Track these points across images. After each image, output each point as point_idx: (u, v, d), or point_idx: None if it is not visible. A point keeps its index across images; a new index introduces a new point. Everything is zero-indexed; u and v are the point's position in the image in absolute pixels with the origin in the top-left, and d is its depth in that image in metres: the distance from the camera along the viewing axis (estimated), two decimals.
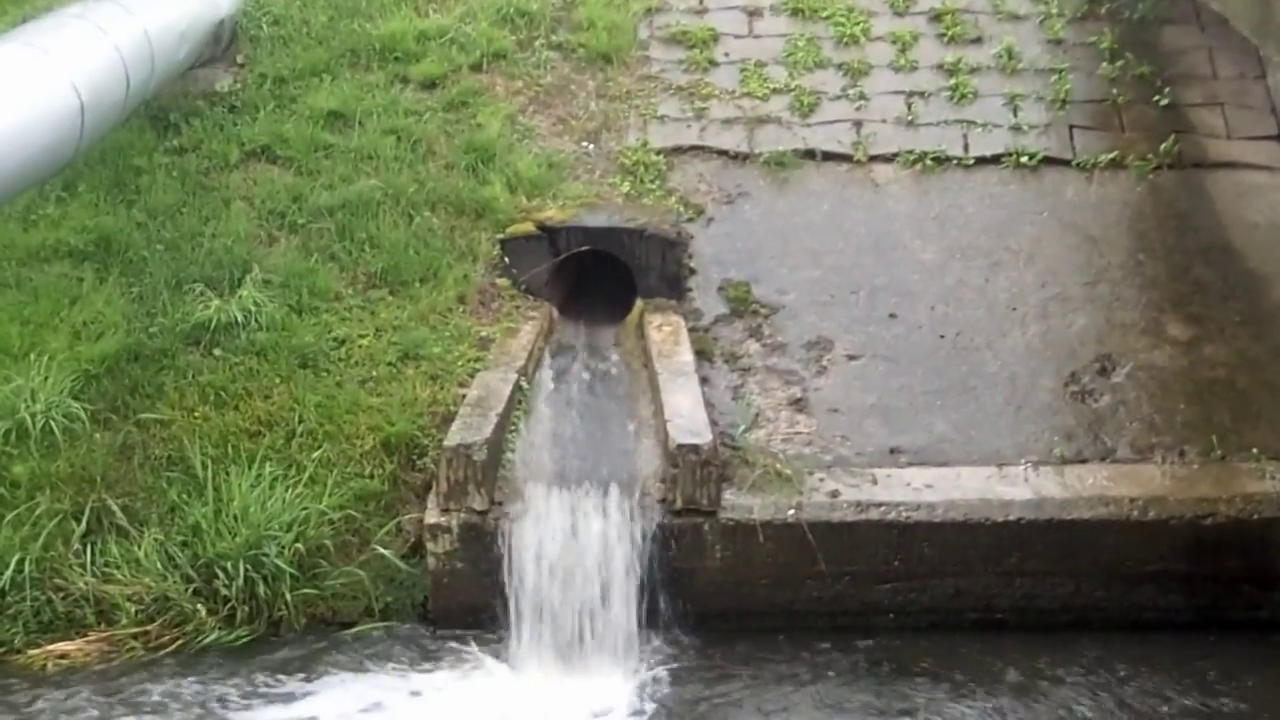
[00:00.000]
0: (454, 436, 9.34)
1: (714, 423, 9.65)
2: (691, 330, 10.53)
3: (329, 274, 10.78)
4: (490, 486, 9.30)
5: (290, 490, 9.40)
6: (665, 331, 10.43)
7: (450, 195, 11.36)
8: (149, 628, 9.13)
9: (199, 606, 9.14)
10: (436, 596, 9.41)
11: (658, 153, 11.83)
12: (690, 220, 11.29)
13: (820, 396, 10.18)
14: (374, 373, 10.18)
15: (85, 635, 9.12)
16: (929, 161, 11.70)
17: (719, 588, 9.37)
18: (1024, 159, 11.66)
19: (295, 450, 9.71)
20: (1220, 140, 11.82)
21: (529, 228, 11.03)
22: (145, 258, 10.77)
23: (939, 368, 10.37)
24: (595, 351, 10.63)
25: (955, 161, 11.73)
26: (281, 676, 8.90)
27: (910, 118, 12.02)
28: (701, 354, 10.34)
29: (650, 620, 9.28)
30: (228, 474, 9.45)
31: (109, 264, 10.74)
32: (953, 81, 12.28)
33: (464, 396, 9.83)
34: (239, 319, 10.28)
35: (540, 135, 12.06)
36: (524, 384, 10.01)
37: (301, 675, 8.93)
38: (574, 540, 9.22)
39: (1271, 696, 8.78)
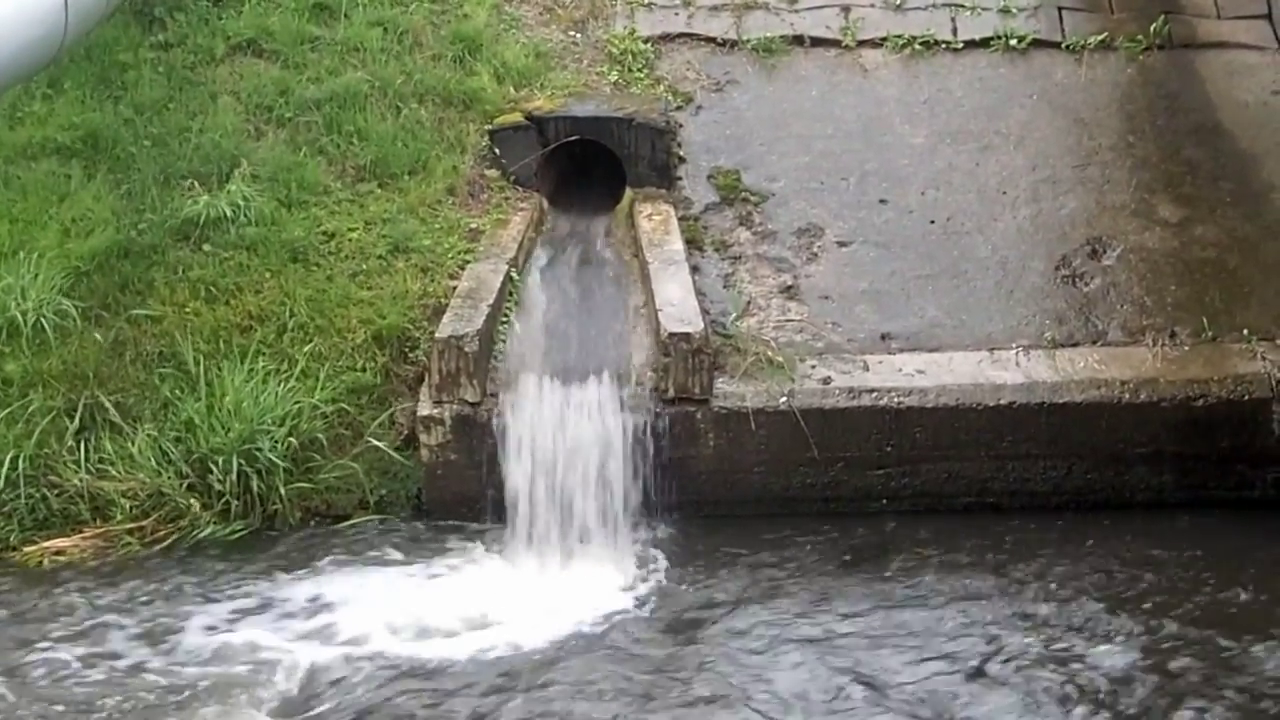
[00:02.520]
0: (445, 328, 9.35)
1: (705, 311, 9.66)
2: (682, 219, 10.49)
3: (317, 167, 10.71)
4: (482, 378, 9.32)
5: (283, 384, 9.40)
6: (655, 221, 10.40)
7: (438, 86, 11.28)
8: (144, 523, 9.16)
9: (193, 501, 9.18)
10: (430, 488, 9.44)
11: (645, 41, 11.73)
12: (679, 108, 11.24)
13: (811, 283, 10.17)
14: (364, 266, 10.16)
15: (81, 531, 9.15)
16: (918, 46, 11.62)
17: (712, 476, 9.41)
18: (1013, 42, 11.58)
19: (287, 344, 9.71)
20: (1210, 20, 11.74)
21: (517, 118, 10.95)
22: (133, 154, 10.71)
23: (930, 253, 10.36)
24: (585, 241, 10.58)
25: (944, 45, 11.64)
26: (277, 569, 8.94)
27: (898, 2, 11.88)
28: (692, 243, 10.33)
29: (644, 509, 9.32)
30: (220, 369, 9.45)
31: (97, 160, 10.68)
32: None
33: (455, 288, 9.82)
34: (228, 214, 10.23)
35: (527, 24, 11.97)
36: (515, 275, 9.99)
37: (297, 568, 8.95)
38: (566, 430, 9.24)
39: (1266, 571, 8.83)
